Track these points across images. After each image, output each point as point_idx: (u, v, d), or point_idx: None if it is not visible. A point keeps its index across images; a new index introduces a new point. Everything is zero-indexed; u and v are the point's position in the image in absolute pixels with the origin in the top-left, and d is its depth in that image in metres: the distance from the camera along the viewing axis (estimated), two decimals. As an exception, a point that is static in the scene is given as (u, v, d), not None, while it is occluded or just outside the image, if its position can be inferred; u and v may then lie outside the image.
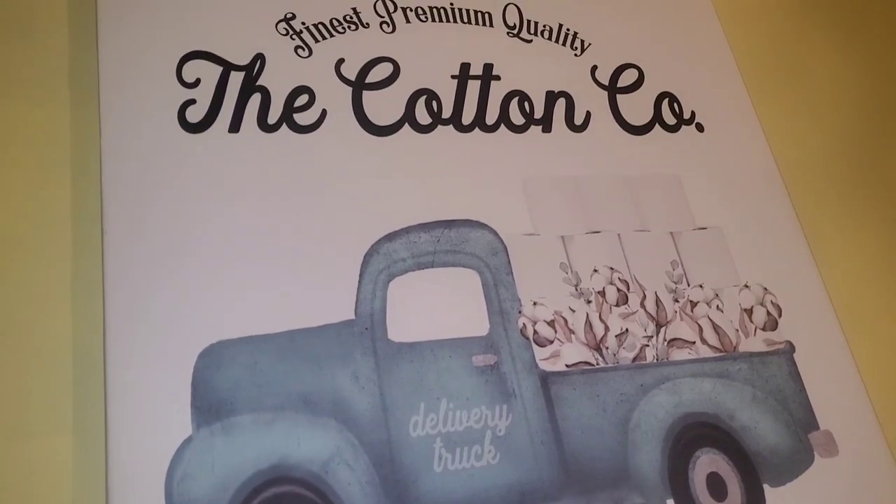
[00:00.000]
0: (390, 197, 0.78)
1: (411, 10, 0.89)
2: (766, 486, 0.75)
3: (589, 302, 0.79)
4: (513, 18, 0.93)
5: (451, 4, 0.91)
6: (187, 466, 0.63)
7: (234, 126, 0.77)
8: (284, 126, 0.78)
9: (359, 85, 0.83)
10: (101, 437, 0.64)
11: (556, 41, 0.94)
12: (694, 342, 0.80)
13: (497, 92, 0.88)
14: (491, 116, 0.86)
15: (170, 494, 0.62)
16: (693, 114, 0.94)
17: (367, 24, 0.87)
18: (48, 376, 0.67)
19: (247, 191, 0.75)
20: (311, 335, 0.70)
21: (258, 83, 0.80)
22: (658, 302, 0.81)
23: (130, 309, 0.67)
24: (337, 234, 0.75)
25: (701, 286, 0.83)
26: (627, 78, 0.94)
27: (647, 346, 0.79)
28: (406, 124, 0.83)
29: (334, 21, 0.86)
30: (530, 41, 0.93)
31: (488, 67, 0.89)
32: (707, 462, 0.75)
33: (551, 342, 0.76)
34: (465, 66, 0.88)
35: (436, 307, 0.75)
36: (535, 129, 0.87)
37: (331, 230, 0.75)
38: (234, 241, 0.72)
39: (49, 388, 0.66)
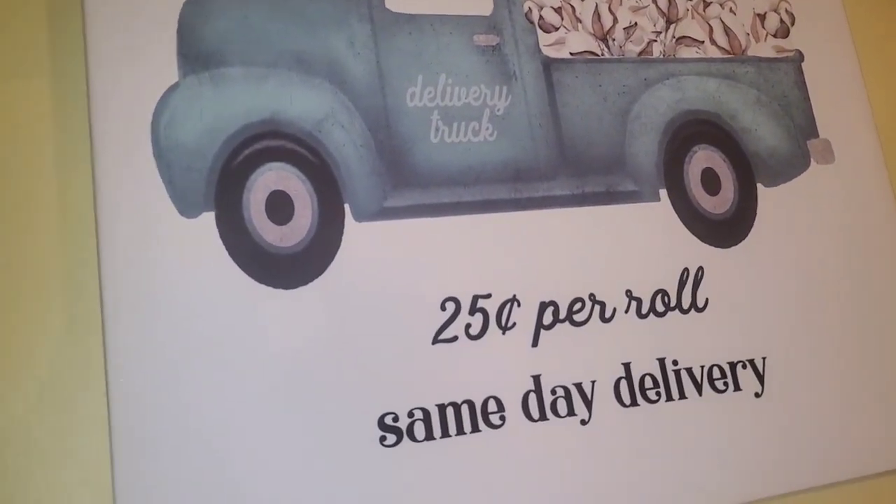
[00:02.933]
0: None
1: None
2: (759, 186, 0.75)
3: (598, -8, 0.75)
4: None
5: None
6: (174, 112, 0.61)
7: None
8: None
9: None
10: (82, 81, 0.61)
11: None
12: (703, 42, 0.77)
13: None
14: None
15: (156, 138, 0.60)
16: None
17: None
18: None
19: None
20: (304, -6, 0.66)
21: None
22: (670, -2, 0.77)
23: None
24: None
25: (716, -14, 0.79)
26: None
27: (655, 41, 0.76)
28: None
29: None
30: None
31: None
32: (703, 157, 0.74)
33: (557, 29, 0.73)
34: None
35: (437, -19, 0.71)
36: None
37: None
38: None
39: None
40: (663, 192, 0.72)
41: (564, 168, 0.69)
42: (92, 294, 0.58)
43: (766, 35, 0.79)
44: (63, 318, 0.59)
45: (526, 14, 0.72)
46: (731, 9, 0.79)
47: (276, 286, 0.60)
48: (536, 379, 0.63)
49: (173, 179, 0.60)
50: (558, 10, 0.73)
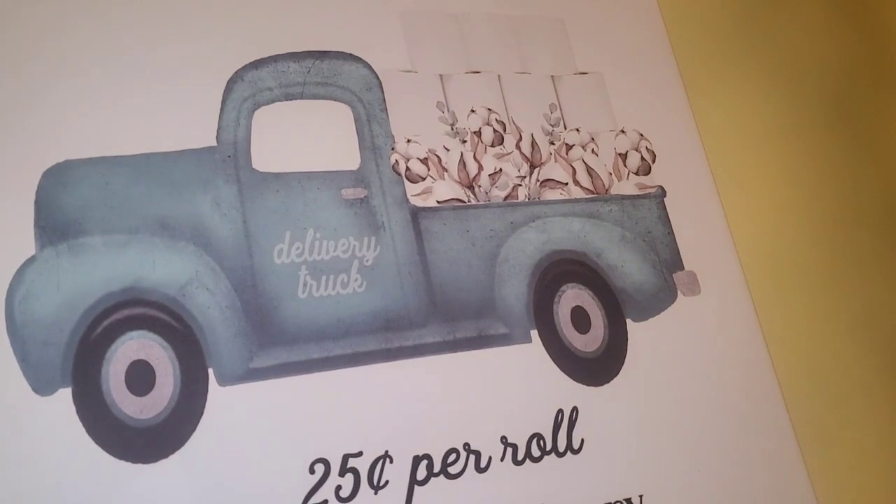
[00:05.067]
0: (258, 22, 0.74)
1: None
2: (628, 321, 0.77)
3: (464, 142, 0.78)
4: None
5: None
6: (30, 286, 0.60)
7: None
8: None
9: None
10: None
11: None
12: (567, 183, 0.80)
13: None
14: (369, -53, 0.82)
15: (11, 314, 0.59)
16: (580, -40, 0.92)
17: None
18: None
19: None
20: (168, 159, 0.67)
21: None
22: (534, 144, 0.81)
23: (-35, 122, 0.62)
24: (198, 56, 0.71)
25: (577, 130, 0.83)
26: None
27: (520, 185, 0.79)
28: (277, -52, 0.78)
29: None
30: None
31: None
32: (572, 296, 0.76)
33: (423, 179, 0.75)
34: None
35: (305, 139, 0.72)
36: (415, -36, 0.84)
37: (192, 52, 0.71)
38: (83, 53, 0.67)
39: None
40: (534, 333, 0.73)
41: (435, 315, 0.70)
42: (-63, 482, 0.56)
43: (629, 173, 0.83)
44: None
45: (393, 166, 0.74)
46: (593, 150, 0.83)
47: (136, 461, 0.58)
48: (410, 539, 0.62)
49: (27, 357, 0.58)
50: (424, 161, 0.76)
